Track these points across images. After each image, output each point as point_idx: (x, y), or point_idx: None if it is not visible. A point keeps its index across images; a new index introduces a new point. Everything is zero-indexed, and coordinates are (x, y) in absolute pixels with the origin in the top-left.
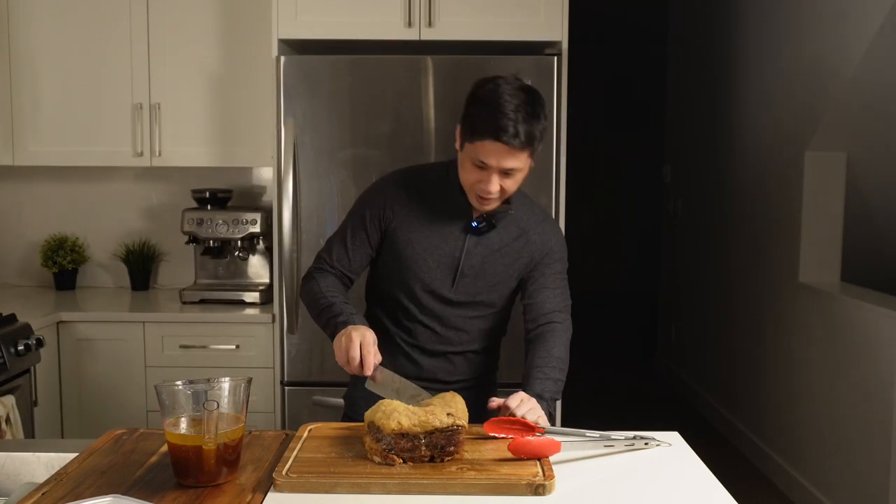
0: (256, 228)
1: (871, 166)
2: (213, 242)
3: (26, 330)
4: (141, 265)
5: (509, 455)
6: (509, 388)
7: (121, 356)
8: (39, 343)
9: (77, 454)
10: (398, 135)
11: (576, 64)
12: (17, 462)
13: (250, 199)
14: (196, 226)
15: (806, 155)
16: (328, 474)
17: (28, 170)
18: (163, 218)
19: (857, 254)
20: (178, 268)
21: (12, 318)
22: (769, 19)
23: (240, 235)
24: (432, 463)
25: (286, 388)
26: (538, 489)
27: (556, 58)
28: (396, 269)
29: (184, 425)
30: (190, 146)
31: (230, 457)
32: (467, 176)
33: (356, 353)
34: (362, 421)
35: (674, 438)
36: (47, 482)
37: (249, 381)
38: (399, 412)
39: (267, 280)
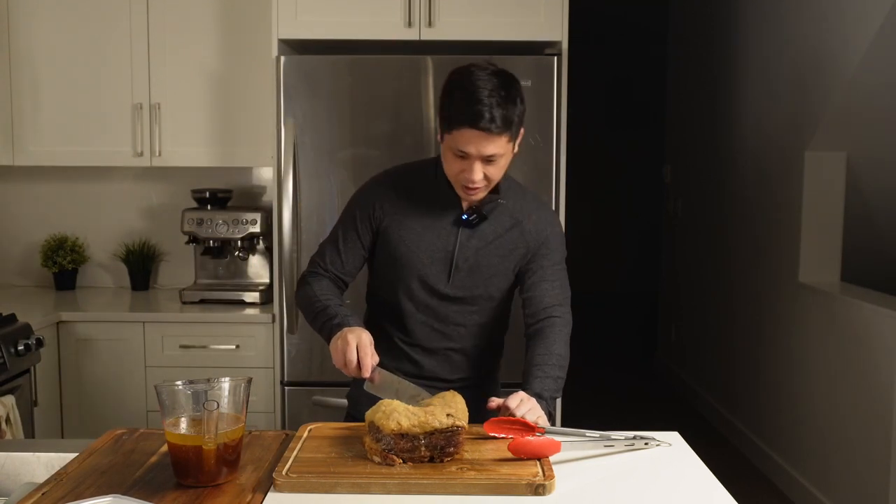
0: (256, 228)
1: (871, 166)
2: (213, 242)
3: (26, 330)
4: (141, 265)
5: (509, 455)
6: (509, 389)
7: (121, 356)
8: (39, 343)
9: (77, 454)
10: (398, 135)
11: (576, 64)
12: (17, 462)
13: (250, 199)
14: (196, 226)
15: (806, 155)
16: (328, 474)
17: (28, 170)
18: (163, 218)
19: (857, 254)
20: (178, 268)
21: (12, 318)
22: (769, 19)
23: (240, 235)
24: (432, 463)
25: (286, 388)
26: (538, 489)
27: (556, 58)
28: (391, 268)
29: (184, 425)
30: (190, 146)
31: (230, 457)
32: (450, 167)
33: (353, 356)
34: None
35: (674, 438)
36: (47, 482)
37: (249, 381)
38: (399, 412)
39: (267, 280)
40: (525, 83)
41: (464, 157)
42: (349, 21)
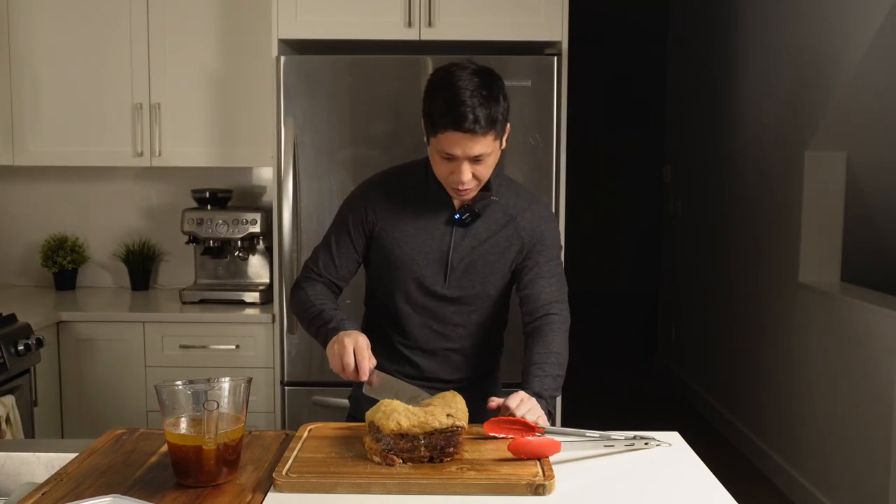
0: (256, 228)
1: (871, 166)
2: (213, 242)
3: (26, 330)
4: (141, 265)
5: (509, 455)
6: (509, 388)
7: (121, 356)
8: (39, 343)
9: (77, 454)
10: (398, 135)
11: (576, 64)
12: (17, 462)
13: (250, 199)
14: (196, 226)
15: (806, 155)
16: (328, 474)
17: (28, 170)
18: (163, 218)
19: (857, 254)
20: (178, 268)
21: (12, 318)
22: (769, 19)
23: (240, 235)
24: (432, 463)
25: (286, 388)
26: (538, 489)
27: (556, 58)
28: (387, 271)
29: (184, 425)
30: (190, 146)
31: (230, 457)
32: (439, 169)
33: (350, 360)
34: None
35: (674, 438)
36: (47, 482)
37: (249, 381)
38: (399, 412)
39: (267, 280)
40: (525, 83)
41: (451, 158)
42: (349, 21)
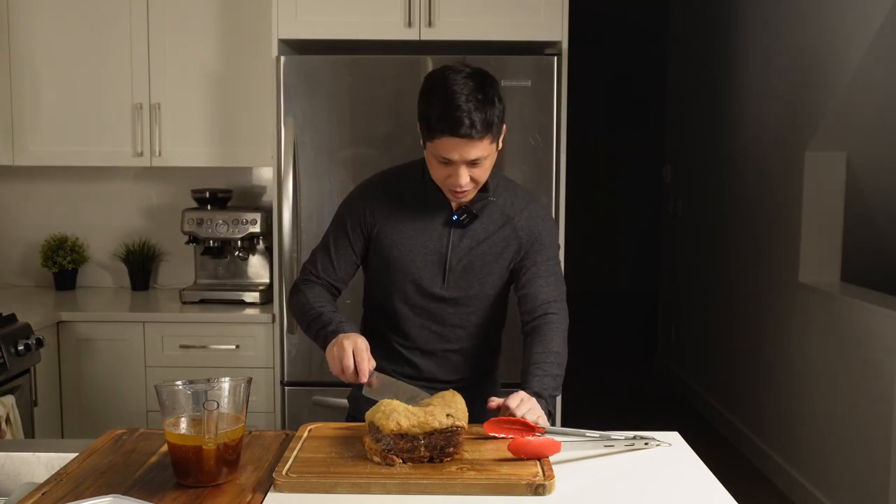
0: (256, 228)
1: (871, 166)
2: (213, 242)
3: (26, 330)
4: (141, 265)
5: (509, 455)
6: (509, 388)
7: (121, 356)
8: (39, 343)
9: (77, 454)
10: (398, 135)
11: (576, 64)
12: (17, 462)
13: (250, 199)
14: (196, 226)
15: (806, 155)
16: (328, 474)
17: (28, 170)
18: (163, 218)
19: (857, 254)
20: (178, 268)
21: (12, 318)
22: (769, 20)
23: (240, 235)
24: (432, 463)
25: (286, 388)
26: (538, 489)
27: (556, 58)
28: (385, 272)
29: (184, 425)
30: (190, 146)
31: (230, 457)
32: (436, 173)
33: (350, 362)
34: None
35: (674, 438)
36: (47, 482)
37: (249, 381)
38: (398, 412)
39: (267, 280)
40: (525, 83)
41: (448, 163)
42: (349, 21)
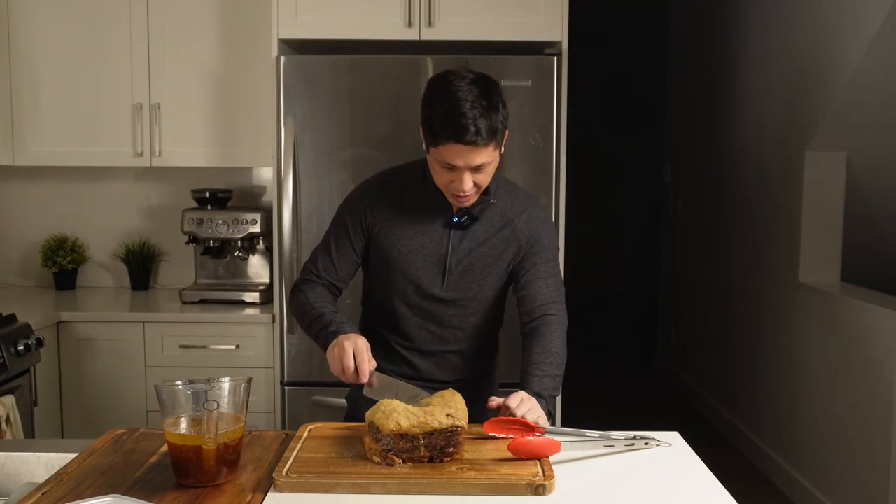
0: (256, 228)
1: (871, 166)
2: (213, 242)
3: (26, 330)
4: (141, 265)
5: (509, 455)
6: (508, 388)
7: (121, 356)
8: (39, 343)
9: (77, 454)
10: (398, 135)
11: (576, 64)
12: (17, 462)
13: (250, 199)
14: (196, 226)
15: (806, 155)
16: (328, 474)
17: (28, 170)
18: (163, 218)
19: (857, 254)
20: (178, 268)
21: (12, 318)
22: (769, 20)
23: (240, 235)
24: (432, 463)
25: (286, 388)
26: (538, 489)
27: (556, 58)
28: (385, 273)
29: (184, 425)
30: (190, 146)
31: (230, 457)
32: (439, 178)
33: (350, 362)
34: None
35: (674, 438)
36: (47, 482)
37: (249, 381)
38: (398, 412)
39: (267, 280)
40: (525, 83)
41: (452, 168)
42: (349, 21)
